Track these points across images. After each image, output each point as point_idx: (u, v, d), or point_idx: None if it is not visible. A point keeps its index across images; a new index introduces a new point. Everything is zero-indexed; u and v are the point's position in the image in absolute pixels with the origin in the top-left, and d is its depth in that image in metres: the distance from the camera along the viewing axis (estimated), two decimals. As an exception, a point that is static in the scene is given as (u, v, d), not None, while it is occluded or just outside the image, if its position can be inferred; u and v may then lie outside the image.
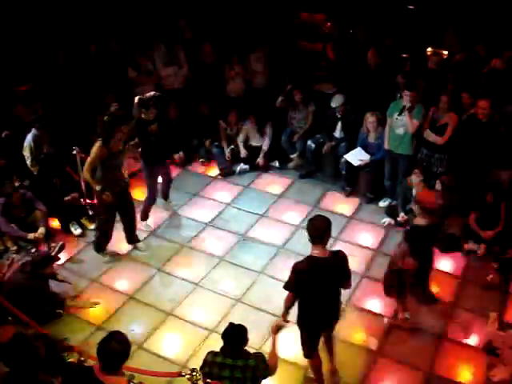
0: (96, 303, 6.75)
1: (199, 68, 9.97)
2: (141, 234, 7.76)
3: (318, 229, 4.94)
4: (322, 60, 10.01)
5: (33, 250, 7.31)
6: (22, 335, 4.67)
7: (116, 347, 3.92)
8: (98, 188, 6.85)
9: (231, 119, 9.25)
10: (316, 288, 4.96)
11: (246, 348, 4.62)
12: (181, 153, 9.30)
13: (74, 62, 9.63)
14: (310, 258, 4.94)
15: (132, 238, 7.61)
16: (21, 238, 7.38)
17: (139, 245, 7.67)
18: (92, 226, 7.93)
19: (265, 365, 4.64)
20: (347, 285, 5.26)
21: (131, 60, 9.62)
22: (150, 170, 7.72)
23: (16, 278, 6.32)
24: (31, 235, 7.30)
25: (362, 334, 6.35)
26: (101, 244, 7.45)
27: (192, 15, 10.67)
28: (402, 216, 7.79)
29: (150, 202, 7.89)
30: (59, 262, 7.25)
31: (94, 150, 6.64)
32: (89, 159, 6.73)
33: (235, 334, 4.56)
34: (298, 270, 4.92)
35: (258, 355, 4.67)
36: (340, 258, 5.11)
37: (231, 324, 4.65)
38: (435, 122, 7.60)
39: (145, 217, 7.96)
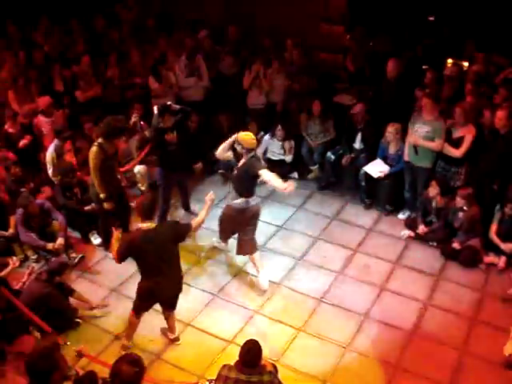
0: (106, 310, 6.78)
1: (219, 79, 10.02)
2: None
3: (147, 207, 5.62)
4: (341, 72, 10.02)
5: (53, 259, 7.34)
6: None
7: (130, 372, 3.88)
8: (102, 196, 7.05)
9: (251, 131, 9.24)
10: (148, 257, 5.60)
11: (261, 362, 4.61)
12: (200, 163, 9.31)
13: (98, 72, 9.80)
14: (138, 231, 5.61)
15: None
16: (40, 247, 7.42)
17: None
18: None
19: (278, 380, 4.63)
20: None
21: (153, 71, 9.69)
22: (164, 178, 7.80)
23: (32, 287, 6.33)
24: (50, 245, 7.34)
25: (382, 347, 6.29)
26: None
27: (211, 26, 10.77)
28: (421, 228, 7.75)
29: (162, 209, 7.89)
30: (78, 272, 7.35)
31: (92, 155, 6.87)
32: (91, 164, 6.91)
33: (250, 351, 4.54)
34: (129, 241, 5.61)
35: (273, 372, 4.66)
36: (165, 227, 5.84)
37: (247, 341, 4.64)
38: (451, 134, 7.55)
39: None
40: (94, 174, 6.99)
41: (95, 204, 7.45)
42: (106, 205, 7.13)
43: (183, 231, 5.80)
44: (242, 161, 6.67)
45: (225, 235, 7.44)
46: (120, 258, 5.58)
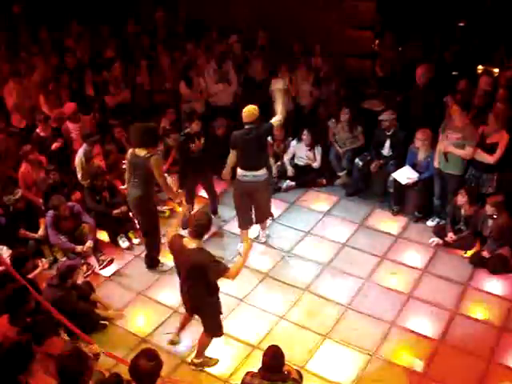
0: (122, 314, 6.82)
1: (249, 84, 10.06)
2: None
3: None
4: (370, 77, 9.99)
5: (61, 263, 7.10)
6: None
7: (146, 366, 4.00)
8: (177, 200, 7.20)
9: (278, 136, 9.26)
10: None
11: (284, 369, 4.60)
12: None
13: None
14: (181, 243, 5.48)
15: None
16: (69, 250, 7.50)
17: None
18: (137, 240, 8.04)
19: None
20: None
21: (184, 76, 9.77)
22: (185, 183, 7.93)
23: (45, 293, 6.28)
24: (79, 248, 7.42)
25: (408, 354, 6.23)
26: (153, 258, 7.54)
27: (240, 31, 10.83)
28: (450, 236, 7.67)
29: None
30: (106, 275, 7.42)
31: (158, 162, 6.77)
32: (159, 172, 6.79)
33: (272, 357, 4.53)
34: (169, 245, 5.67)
35: (296, 379, 4.64)
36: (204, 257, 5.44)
37: (269, 347, 4.63)
38: (485, 141, 7.47)
39: (185, 226, 8.06)
40: (163, 182, 6.91)
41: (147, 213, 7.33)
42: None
43: (216, 273, 5.47)
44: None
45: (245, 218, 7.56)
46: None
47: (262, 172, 7.17)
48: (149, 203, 7.02)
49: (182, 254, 5.45)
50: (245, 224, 7.59)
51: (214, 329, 5.88)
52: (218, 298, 5.81)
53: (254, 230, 7.89)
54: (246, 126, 6.92)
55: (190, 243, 5.40)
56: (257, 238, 7.94)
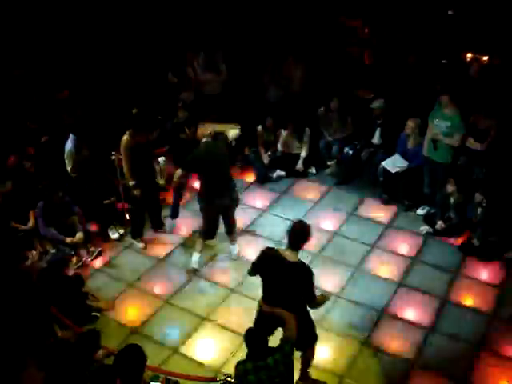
0: (113, 304, 6.83)
1: (238, 74, 10.02)
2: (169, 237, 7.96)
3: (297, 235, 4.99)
4: (358, 65, 9.97)
5: (51, 255, 7.22)
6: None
7: (129, 362, 4.01)
8: (131, 183, 7.22)
9: (269, 125, 9.24)
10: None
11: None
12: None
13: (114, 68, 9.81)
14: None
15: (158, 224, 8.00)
16: (59, 241, 7.47)
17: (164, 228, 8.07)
18: (122, 231, 8.05)
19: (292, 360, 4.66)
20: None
21: (172, 65, 9.72)
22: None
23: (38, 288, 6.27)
24: (69, 239, 7.36)
25: (399, 342, 6.26)
26: (136, 230, 7.73)
27: (229, 21, 10.77)
28: (440, 224, 7.70)
29: (173, 199, 8.08)
30: (96, 266, 7.40)
31: (123, 143, 7.05)
32: (122, 153, 7.09)
33: (255, 338, 4.58)
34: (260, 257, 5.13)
35: (284, 349, 4.62)
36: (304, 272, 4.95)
37: (248, 329, 4.66)
38: (476, 128, 7.48)
39: (174, 215, 8.15)
40: (124, 162, 7.15)
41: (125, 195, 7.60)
42: (134, 192, 7.30)
43: (308, 290, 5.00)
44: None
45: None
46: (252, 269, 5.25)
47: None
48: None
49: (281, 267, 4.93)
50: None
51: (314, 338, 5.37)
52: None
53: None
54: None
55: (290, 256, 4.94)
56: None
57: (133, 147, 7.06)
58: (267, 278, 5.08)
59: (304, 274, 4.91)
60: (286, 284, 4.92)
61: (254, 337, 4.59)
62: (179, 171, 6.84)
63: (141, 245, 7.75)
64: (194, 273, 7.24)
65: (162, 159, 8.69)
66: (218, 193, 6.77)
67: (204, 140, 6.65)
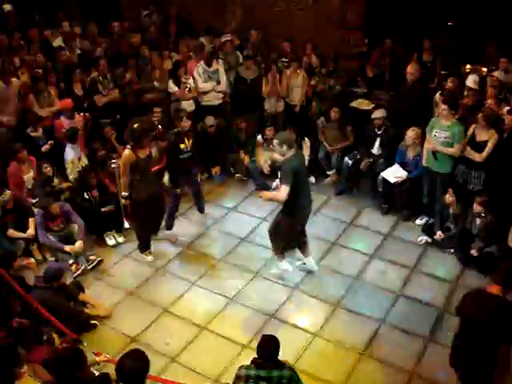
0: (112, 311, 6.80)
1: (239, 83, 10.06)
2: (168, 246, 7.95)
3: None
4: (359, 77, 10.00)
5: (48, 265, 7.06)
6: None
7: (132, 366, 4.00)
8: (123, 194, 7.19)
9: (268, 134, 9.25)
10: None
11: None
12: (217, 167, 9.39)
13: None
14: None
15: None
16: (58, 249, 7.45)
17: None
18: (121, 239, 8.05)
19: (298, 376, 4.65)
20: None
21: (172, 75, 9.75)
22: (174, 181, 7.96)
23: (34, 295, 6.20)
24: (68, 247, 7.33)
25: (398, 353, 6.24)
26: (143, 244, 7.69)
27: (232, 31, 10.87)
28: (439, 234, 7.71)
29: (169, 209, 7.99)
30: (95, 275, 7.41)
31: (123, 157, 7.02)
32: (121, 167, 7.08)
33: (267, 344, 4.58)
34: None
35: (291, 367, 4.67)
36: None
37: (264, 336, 4.65)
38: (475, 139, 7.50)
39: (169, 226, 8.12)
40: (122, 174, 7.10)
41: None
42: (123, 201, 7.33)
43: None
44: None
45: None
46: None
47: None
48: None
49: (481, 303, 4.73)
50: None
51: None
52: None
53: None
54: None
55: (492, 289, 4.70)
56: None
57: (135, 162, 6.96)
58: None
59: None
60: None
61: (268, 345, 4.59)
62: None
63: (149, 258, 7.68)
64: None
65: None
66: (305, 204, 6.80)
67: (291, 153, 6.44)
